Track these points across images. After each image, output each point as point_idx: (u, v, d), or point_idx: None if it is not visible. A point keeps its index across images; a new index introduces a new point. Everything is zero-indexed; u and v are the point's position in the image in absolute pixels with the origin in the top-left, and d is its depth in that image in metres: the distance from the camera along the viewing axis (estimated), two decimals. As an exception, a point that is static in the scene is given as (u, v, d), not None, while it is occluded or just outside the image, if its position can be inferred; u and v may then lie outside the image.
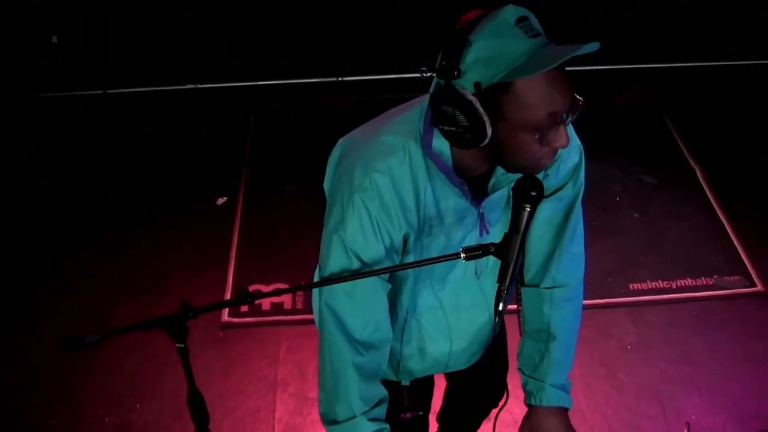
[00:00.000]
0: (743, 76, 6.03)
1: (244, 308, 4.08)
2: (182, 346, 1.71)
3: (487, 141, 1.61)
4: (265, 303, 4.11)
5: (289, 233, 4.44)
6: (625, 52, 6.05)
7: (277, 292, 1.85)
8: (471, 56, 1.55)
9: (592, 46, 1.50)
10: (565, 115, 1.60)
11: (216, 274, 4.27)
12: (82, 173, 5.06)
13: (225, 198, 4.85)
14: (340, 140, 1.88)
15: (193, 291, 4.08)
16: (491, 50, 1.54)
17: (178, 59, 5.97)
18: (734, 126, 5.49)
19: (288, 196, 4.82)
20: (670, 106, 5.72)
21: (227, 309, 4.07)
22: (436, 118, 1.65)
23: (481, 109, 1.57)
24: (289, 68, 5.98)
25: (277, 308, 4.09)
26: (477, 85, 1.56)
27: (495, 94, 1.56)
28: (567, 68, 1.58)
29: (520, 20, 1.55)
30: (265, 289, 4.05)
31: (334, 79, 5.97)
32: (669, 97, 5.82)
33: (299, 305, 4.09)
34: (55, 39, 5.96)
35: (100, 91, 5.81)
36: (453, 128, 1.62)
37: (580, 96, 1.61)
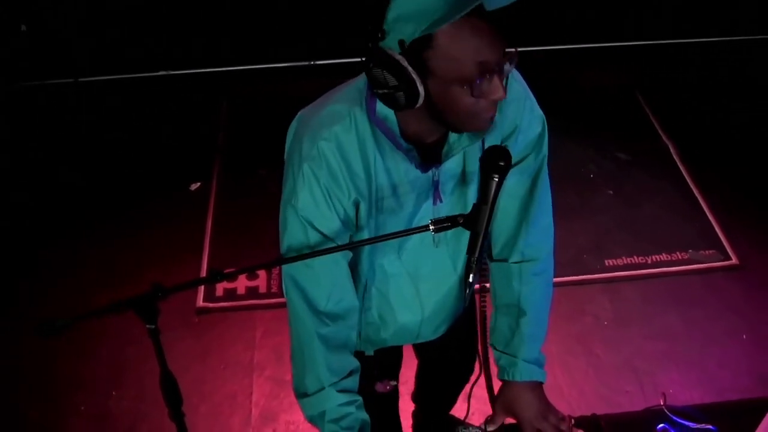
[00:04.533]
0: (716, 53, 6.05)
1: (219, 293, 4.07)
2: (153, 327, 1.70)
3: (421, 100, 1.59)
4: (240, 287, 4.10)
5: (263, 217, 4.38)
6: (598, 31, 6.05)
7: (245, 270, 1.84)
8: (392, 14, 1.54)
9: None
10: (496, 66, 1.56)
11: (191, 259, 4.26)
12: (54, 162, 5.02)
13: (198, 183, 4.83)
14: (299, 112, 1.87)
15: (167, 277, 4.01)
16: (409, 5, 1.51)
17: (149, 46, 5.92)
18: (706, 102, 5.51)
19: (261, 181, 4.79)
20: (643, 84, 5.74)
21: (202, 294, 4.06)
22: (371, 83, 1.64)
23: (409, 68, 1.55)
24: (261, 53, 5.95)
25: (252, 292, 4.08)
26: (401, 42, 1.54)
27: (420, 50, 1.53)
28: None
29: None
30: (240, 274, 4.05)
31: (306, 63, 5.95)
32: (642, 75, 5.84)
33: (274, 288, 4.08)
34: (24, 27, 5.89)
35: (72, 80, 5.77)
36: (385, 90, 1.60)
37: (514, 48, 1.58)
